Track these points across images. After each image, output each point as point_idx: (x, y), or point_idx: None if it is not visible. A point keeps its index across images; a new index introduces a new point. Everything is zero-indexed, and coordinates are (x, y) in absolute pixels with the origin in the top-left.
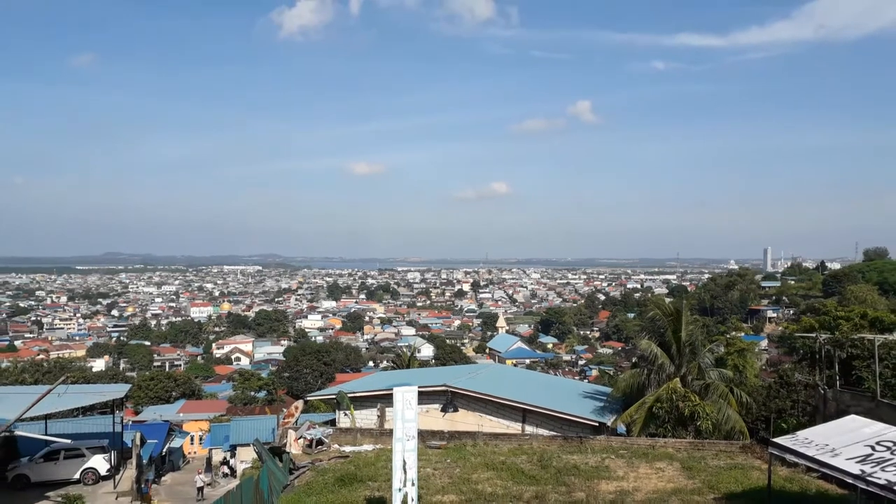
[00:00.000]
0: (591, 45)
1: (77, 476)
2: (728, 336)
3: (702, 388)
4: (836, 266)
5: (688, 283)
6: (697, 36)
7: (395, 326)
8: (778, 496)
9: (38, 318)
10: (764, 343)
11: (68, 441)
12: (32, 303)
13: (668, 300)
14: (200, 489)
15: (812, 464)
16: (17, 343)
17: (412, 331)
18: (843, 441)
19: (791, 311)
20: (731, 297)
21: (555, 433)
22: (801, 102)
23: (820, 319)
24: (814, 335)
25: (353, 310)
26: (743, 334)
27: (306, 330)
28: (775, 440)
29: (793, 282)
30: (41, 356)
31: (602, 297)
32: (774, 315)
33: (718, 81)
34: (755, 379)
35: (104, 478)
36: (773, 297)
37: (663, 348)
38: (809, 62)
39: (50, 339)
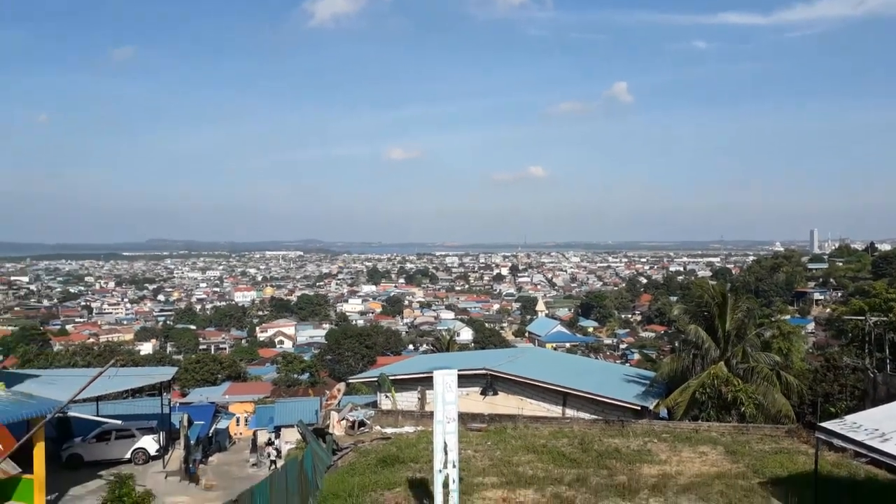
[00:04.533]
0: (629, 26)
1: (128, 456)
2: (774, 319)
3: (747, 371)
4: (887, 247)
5: (732, 266)
6: (740, 15)
7: (434, 310)
8: (825, 481)
9: (88, 304)
10: (811, 326)
11: (119, 422)
12: (82, 288)
13: (711, 283)
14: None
15: (861, 449)
16: (69, 327)
17: (451, 315)
18: (893, 426)
19: (839, 294)
20: (777, 279)
21: (596, 417)
22: (847, 80)
23: (870, 302)
24: (863, 318)
25: (392, 294)
26: (789, 317)
27: (347, 314)
28: (822, 424)
29: (841, 263)
30: (91, 340)
31: (644, 281)
32: (821, 298)
33: (762, 60)
34: (801, 363)
35: (153, 458)
36: (820, 280)
37: (708, 332)
38: (855, 38)
39: (99, 323)
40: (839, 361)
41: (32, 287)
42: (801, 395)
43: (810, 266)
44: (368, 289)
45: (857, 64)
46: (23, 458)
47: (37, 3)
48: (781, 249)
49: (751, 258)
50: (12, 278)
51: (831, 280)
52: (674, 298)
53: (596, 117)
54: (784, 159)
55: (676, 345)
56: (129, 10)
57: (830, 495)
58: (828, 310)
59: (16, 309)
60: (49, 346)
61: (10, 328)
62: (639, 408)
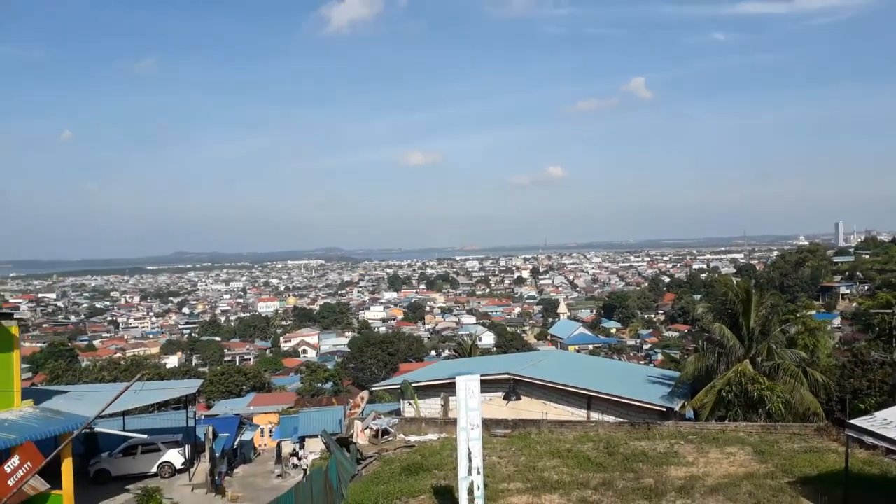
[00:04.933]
0: (646, 20)
1: (154, 469)
2: (799, 315)
3: (772, 369)
4: None
5: (756, 262)
6: (759, 3)
7: (455, 315)
8: (856, 480)
9: (114, 318)
10: (837, 321)
11: (145, 436)
12: (108, 303)
13: (735, 280)
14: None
15: (892, 446)
16: (96, 342)
17: (473, 319)
18: None
19: (866, 287)
20: (802, 274)
21: (621, 419)
22: (867, 68)
23: None
24: (891, 311)
25: (413, 300)
26: (814, 312)
27: (369, 321)
28: (852, 422)
29: (867, 256)
30: (118, 354)
31: (666, 280)
32: (848, 291)
33: (781, 50)
34: (828, 359)
35: (180, 471)
36: (846, 273)
37: (733, 330)
38: (878, 24)
39: (125, 337)
40: (867, 356)
41: (59, 304)
42: (829, 391)
43: (836, 259)
44: (390, 295)
45: (878, 51)
46: (51, 474)
47: (58, 22)
48: (806, 243)
49: (775, 253)
50: (40, 295)
51: (857, 273)
52: (697, 297)
53: (614, 114)
54: (806, 151)
55: (701, 344)
56: (147, 25)
57: (862, 494)
58: (854, 304)
59: (44, 326)
60: (77, 362)
61: (38, 345)
62: (664, 409)
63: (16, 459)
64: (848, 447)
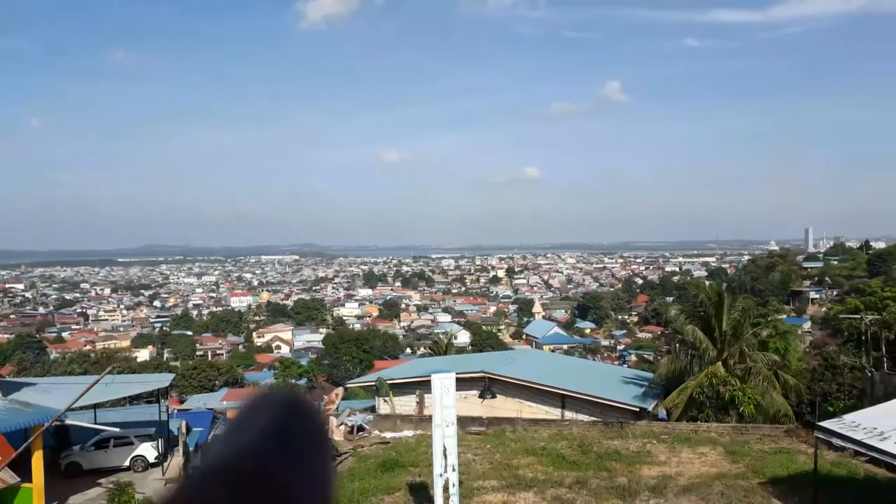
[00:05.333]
0: (621, 24)
1: (127, 463)
2: (770, 318)
3: (744, 371)
4: (882, 245)
5: (727, 266)
6: (732, 11)
7: (431, 313)
8: (825, 480)
9: (84, 310)
10: (807, 325)
11: (117, 429)
12: (77, 295)
13: (707, 283)
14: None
15: (860, 447)
16: (65, 335)
17: (448, 317)
18: (892, 424)
19: (834, 293)
20: (772, 278)
21: (595, 419)
22: (839, 77)
23: (865, 300)
24: (859, 316)
25: (389, 297)
26: (785, 316)
27: (344, 318)
28: (821, 424)
29: (836, 262)
30: (88, 347)
31: (640, 281)
32: (817, 296)
33: (754, 57)
34: (799, 362)
35: (152, 465)
36: (816, 278)
37: (705, 332)
38: (850, 34)
39: (96, 330)
40: (837, 360)
41: (28, 294)
42: (800, 394)
43: (805, 265)
44: (365, 292)
45: (848, 60)
46: (22, 467)
47: (28, 7)
48: (776, 248)
49: (746, 258)
50: (7, 286)
51: (826, 279)
52: (670, 299)
53: (590, 117)
54: (777, 158)
55: (674, 346)
56: (121, 14)
57: (830, 494)
58: (823, 308)
59: (11, 317)
60: (46, 354)
61: (6, 336)
62: (637, 409)
63: None
64: (817, 449)
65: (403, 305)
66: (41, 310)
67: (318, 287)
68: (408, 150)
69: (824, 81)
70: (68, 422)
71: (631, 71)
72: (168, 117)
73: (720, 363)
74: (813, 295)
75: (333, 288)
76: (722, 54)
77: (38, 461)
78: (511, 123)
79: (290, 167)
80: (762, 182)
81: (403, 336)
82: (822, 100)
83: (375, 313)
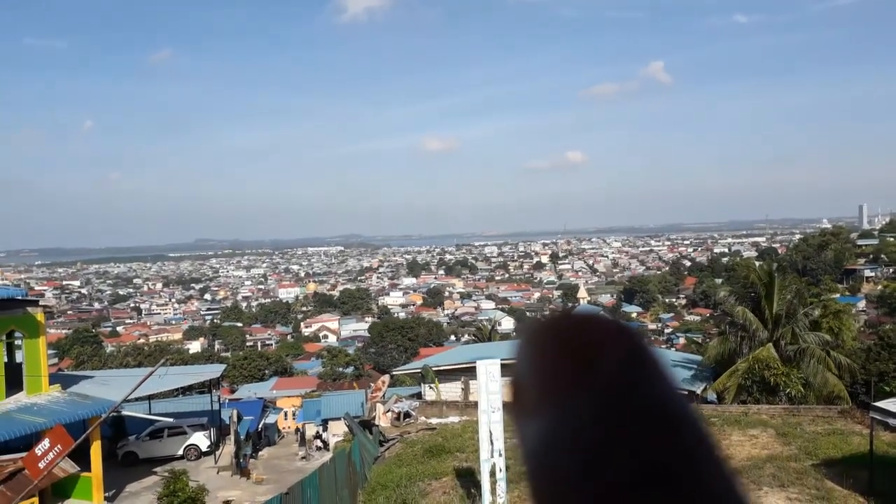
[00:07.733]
0: (665, 2)
1: (180, 452)
2: (822, 298)
3: (796, 353)
4: None
5: (778, 245)
6: None
7: (474, 301)
8: (881, 461)
9: (137, 305)
10: (861, 304)
11: (171, 420)
12: (131, 290)
13: (757, 264)
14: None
15: None
16: (119, 329)
17: (492, 304)
18: None
19: (891, 270)
20: (825, 257)
21: None
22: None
23: None
24: None
25: (432, 286)
26: (838, 296)
27: (389, 307)
28: (876, 404)
29: (892, 238)
30: (141, 340)
31: (688, 263)
32: (872, 274)
33: (804, 31)
34: (853, 342)
35: (205, 453)
36: (871, 256)
37: (755, 314)
38: None
39: (148, 323)
40: (893, 339)
41: (84, 291)
42: (854, 374)
43: (860, 242)
44: (409, 281)
45: None
46: (81, 457)
47: (77, 15)
48: (829, 226)
49: (797, 237)
50: (64, 283)
51: (882, 256)
52: (719, 280)
53: (634, 98)
54: (829, 133)
55: (723, 328)
56: (163, 15)
57: (887, 475)
58: (879, 287)
59: (69, 312)
60: (102, 348)
61: (64, 331)
62: (686, 392)
63: (46, 442)
64: (873, 429)
65: (447, 293)
66: (96, 305)
67: (363, 277)
68: (450, 138)
69: (877, 52)
70: (124, 413)
71: (675, 50)
72: (216, 114)
73: (771, 345)
74: (868, 273)
75: (378, 277)
76: (770, 29)
77: (96, 451)
78: (553, 107)
79: (334, 159)
80: (813, 159)
81: (447, 324)
82: (875, 71)
83: (419, 301)
